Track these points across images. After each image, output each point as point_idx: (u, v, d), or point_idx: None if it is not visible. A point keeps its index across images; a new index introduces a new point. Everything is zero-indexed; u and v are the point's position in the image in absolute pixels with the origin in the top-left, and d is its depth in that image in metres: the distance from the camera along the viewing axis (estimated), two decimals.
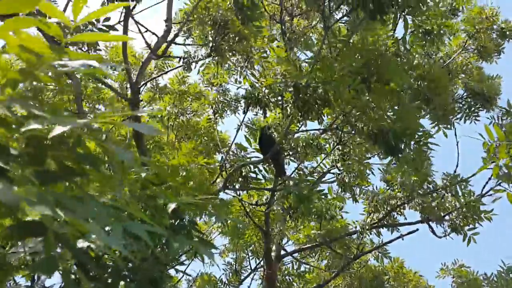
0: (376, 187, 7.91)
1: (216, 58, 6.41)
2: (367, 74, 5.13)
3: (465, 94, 8.22)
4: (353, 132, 5.84)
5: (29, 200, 0.97)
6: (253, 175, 6.68)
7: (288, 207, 6.89)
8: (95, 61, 1.38)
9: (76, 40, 1.26)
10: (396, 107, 5.54)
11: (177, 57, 6.77)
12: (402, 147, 5.54)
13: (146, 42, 5.87)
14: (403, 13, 5.10)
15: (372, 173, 7.00)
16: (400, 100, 5.64)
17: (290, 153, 7.53)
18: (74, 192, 1.39)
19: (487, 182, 7.20)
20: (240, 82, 7.21)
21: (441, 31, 6.39)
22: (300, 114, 5.17)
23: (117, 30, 5.15)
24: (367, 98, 5.25)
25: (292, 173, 7.09)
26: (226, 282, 9.23)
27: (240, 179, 6.59)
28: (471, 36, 8.50)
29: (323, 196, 6.39)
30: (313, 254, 9.45)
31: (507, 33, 8.33)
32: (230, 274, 9.42)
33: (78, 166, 1.30)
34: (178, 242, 2.22)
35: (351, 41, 5.34)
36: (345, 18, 5.61)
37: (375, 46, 5.23)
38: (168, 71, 7.50)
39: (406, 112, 5.52)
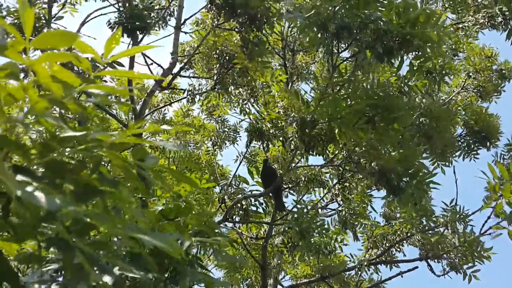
0: (375, 218, 7.90)
1: (220, 90, 6.48)
2: (373, 113, 5.18)
3: (464, 132, 8.28)
4: (355, 169, 5.87)
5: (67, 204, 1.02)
6: (254, 208, 6.66)
7: (287, 242, 6.84)
8: (121, 94, 1.42)
9: (101, 75, 1.29)
10: (399, 146, 5.59)
11: (182, 89, 6.85)
12: (404, 187, 5.58)
13: (151, 72, 5.94)
14: (409, 56, 5.19)
15: (373, 209, 7.00)
16: (404, 139, 5.68)
17: (290, 186, 7.54)
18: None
19: (486, 221, 7.20)
20: (244, 115, 7.25)
21: (443, 72, 6.50)
22: (305, 148, 5.20)
23: (123, 65, 5.22)
24: (371, 136, 5.29)
25: (293, 207, 7.07)
26: None
27: (240, 212, 6.57)
28: (471, 76, 8.64)
29: (323, 231, 6.35)
30: None
31: (506, 74, 8.46)
32: None
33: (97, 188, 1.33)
34: (190, 275, 2.22)
35: (356, 79, 5.41)
36: (351, 58, 5.68)
37: (382, 86, 5.30)
38: (171, 103, 7.57)
39: (409, 152, 5.57)
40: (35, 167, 1.30)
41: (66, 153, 1.30)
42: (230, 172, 8.62)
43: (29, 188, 1.05)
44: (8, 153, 1.31)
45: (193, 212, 2.38)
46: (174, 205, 2.30)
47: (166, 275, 2.24)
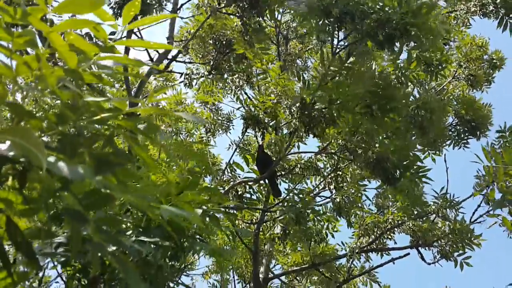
0: (368, 205, 7.94)
1: (216, 76, 6.44)
2: (371, 101, 5.20)
3: (455, 121, 8.35)
4: (351, 158, 5.88)
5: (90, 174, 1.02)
6: (248, 195, 6.65)
7: (280, 230, 6.85)
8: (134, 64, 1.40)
9: (119, 45, 1.27)
10: (394, 137, 5.62)
11: (179, 72, 6.80)
12: (399, 177, 5.62)
13: (149, 55, 5.89)
14: (408, 46, 5.20)
15: (368, 198, 7.04)
16: (399, 130, 5.71)
17: (283, 173, 7.54)
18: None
19: (476, 209, 7.28)
20: (240, 102, 7.20)
21: (440, 66, 6.54)
22: (304, 129, 5.20)
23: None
24: (368, 125, 5.30)
25: (286, 195, 7.07)
26: None
27: (235, 198, 6.55)
28: (462, 66, 8.72)
29: (318, 217, 6.35)
30: (301, 277, 9.40)
31: (497, 63, 8.54)
32: None
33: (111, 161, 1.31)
34: (198, 246, 2.24)
35: (355, 68, 5.41)
36: (351, 45, 5.67)
37: (381, 75, 5.32)
38: (169, 86, 7.50)
39: (404, 143, 5.60)
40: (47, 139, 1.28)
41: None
42: (222, 161, 8.61)
43: (51, 158, 1.03)
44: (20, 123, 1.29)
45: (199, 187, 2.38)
46: (180, 180, 2.29)
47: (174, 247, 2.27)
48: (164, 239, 2.03)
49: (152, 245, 1.92)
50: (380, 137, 5.60)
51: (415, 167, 5.73)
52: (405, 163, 5.55)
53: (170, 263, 2.57)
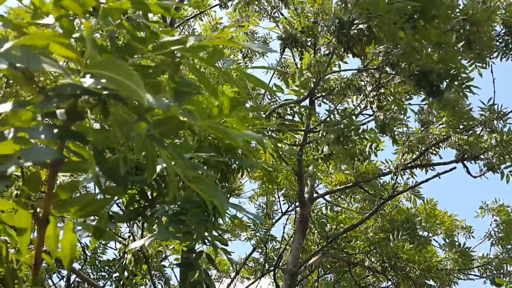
0: (411, 121, 7.87)
1: None
2: (412, 11, 5.00)
3: (503, 31, 8.00)
4: (394, 72, 5.75)
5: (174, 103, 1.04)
6: (290, 117, 6.65)
7: (325, 150, 6.87)
8: None
9: None
10: (439, 47, 5.43)
11: None
12: (444, 88, 5.50)
13: None
14: None
15: (412, 111, 6.94)
16: (445, 40, 5.50)
17: (323, 94, 7.47)
18: None
19: None
20: (275, 21, 7.05)
21: None
22: (343, 49, 5.09)
23: None
24: (411, 37, 5.13)
25: (327, 117, 7.03)
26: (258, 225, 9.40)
27: (277, 121, 6.56)
28: None
29: (361, 136, 6.32)
30: (345, 196, 9.56)
31: None
32: (262, 217, 9.59)
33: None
34: (249, 163, 2.30)
35: None
36: None
37: None
38: (201, 12, 7.38)
39: (450, 53, 5.42)
40: None
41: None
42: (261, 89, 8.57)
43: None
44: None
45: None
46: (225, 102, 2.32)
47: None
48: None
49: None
50: (425, 48, 5.43)
51: (461, 77, 5.57)
52: (451, 72, 5.41)
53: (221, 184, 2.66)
